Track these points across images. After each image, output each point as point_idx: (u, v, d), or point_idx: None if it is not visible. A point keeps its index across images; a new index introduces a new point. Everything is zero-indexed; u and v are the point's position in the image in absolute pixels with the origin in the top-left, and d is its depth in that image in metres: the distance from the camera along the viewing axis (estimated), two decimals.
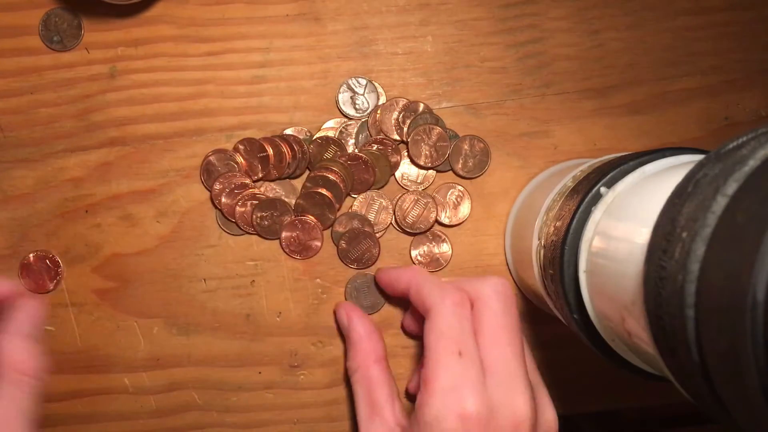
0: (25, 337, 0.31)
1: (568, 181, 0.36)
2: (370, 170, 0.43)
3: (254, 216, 0.43)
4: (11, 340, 0.31)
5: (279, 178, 0.44)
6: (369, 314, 0.43)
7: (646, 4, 0.44)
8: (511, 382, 0.32)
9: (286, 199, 0.43)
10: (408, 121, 0.43)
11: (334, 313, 0.43)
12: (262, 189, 0.44)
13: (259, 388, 0.44)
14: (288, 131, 0.44)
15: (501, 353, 0.33)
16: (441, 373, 0.32)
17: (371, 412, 0.36)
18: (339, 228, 0.43)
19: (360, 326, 0.40)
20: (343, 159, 0.43)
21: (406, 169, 0.44)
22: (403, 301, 0.43)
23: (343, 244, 0.43)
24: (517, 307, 0.35)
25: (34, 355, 0.31)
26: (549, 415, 0.35)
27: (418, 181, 0.44)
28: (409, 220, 0.43)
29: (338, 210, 0.43)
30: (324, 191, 0.43)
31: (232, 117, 0.44)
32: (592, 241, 0.30)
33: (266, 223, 0.43)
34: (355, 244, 0.43)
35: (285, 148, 0.43)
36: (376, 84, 0.44)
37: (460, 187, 0.44)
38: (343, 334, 0.43)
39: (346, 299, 0.43)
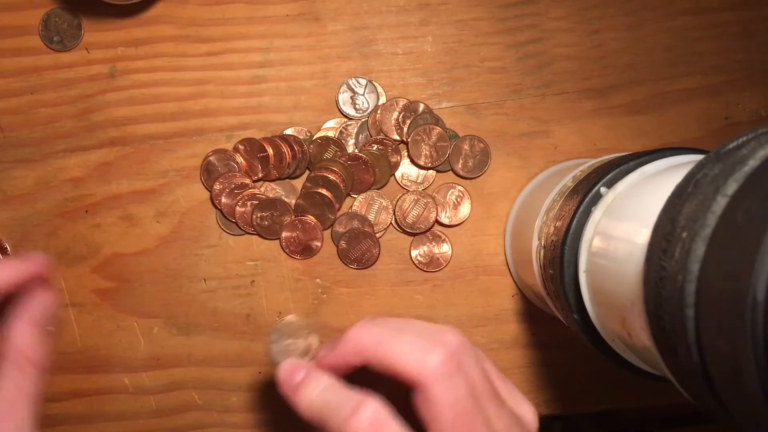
0: (37, 326, 0.31)
1: (568, 181, 0.36)
2: (370, 170, 0.43)
3: (254, 216, 0.43)
4: (24, 326, 0.31)
5: (279, 178, 0.44)
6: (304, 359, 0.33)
7: (646, 4, 0.44)
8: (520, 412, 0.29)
9: (286, 199, 0.43)
10: (408, 121, 0.43)
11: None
12: (262, 189, 0.44)
13: (259, 388, 0.44)
14: (288, 131, 0.44)
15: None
16: None
17: None
18: (339, 228, 0.43)
19: None
20: (343, 159, 0.43)
21: (406, 169, 0.44)
22: None
23: (343, 244, 0.43)
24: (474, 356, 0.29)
25: (41, 345, 0.31)
26: (523, 407, 0.30)
27: (418, 181, 0.44)
28: (409, 220, 0.43)
29: (338, 210, 0.43)
30: (324, 191, 0.43)
31: (232, 117, 0.44)
32: (592, 241, 0.30)
33: (266, 223, 0.43)
34: (355, 244, 0.43)
35: (285, 148, 0.43)
36: (376, 84, 0.44)
37: (460, 187, 0.44)
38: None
39: (270, 352, 0.33)
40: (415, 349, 0.27)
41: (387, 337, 0.28)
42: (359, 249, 0.43)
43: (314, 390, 0.28)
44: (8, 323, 0.31)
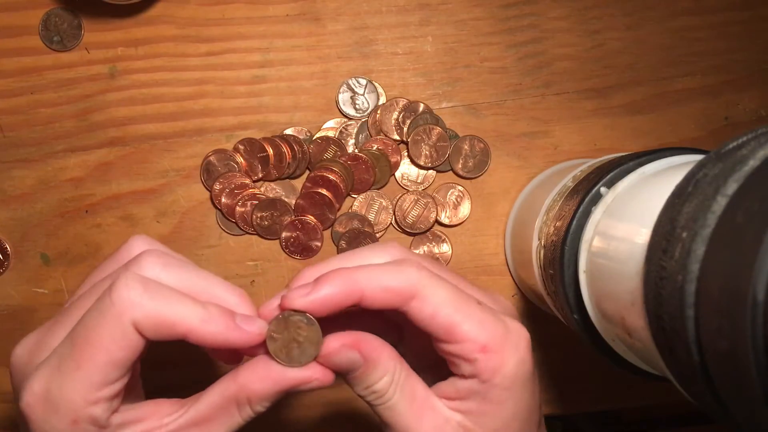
0: (279, 391, 0.29)
1: (568, 181, 0.36)
2: (370, 170, 0.43)
3: (254, 216, 0.43)
4: (266, 383, 0.28)
5: (279, 178, 0.44)
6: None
7: (646, 4, 0.44)
8: (500, 306, 0.31)
9: (286, 199, 0.43)
10: (408, 121, 0.43)
11: (330, 359, 0.29)
12: (262, 189, 0.44)
13: None
14: (288, 131, 0.44)
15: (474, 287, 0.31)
16: (489, 328, 0.28)
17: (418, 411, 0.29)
18: (339, 228, 0.43)
19: (371, 338, 0.29)
20: (343, 159, 0.43)
21: (406, 169, 0.44)
22: None
23: (343, 244, 0.43)
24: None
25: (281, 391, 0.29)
26: (502, 301, 0.32)
27: (418, 181, 0.44)
28: (409, 220, 0.43)
29: (338, 210, 0.43)
30: (324, 191, 0.43)
31: (232, 117, 0.44)
32: (592, 241, 0.30)
33: (266, 223, 0.43)
34: (355, 244, 0.43)
35: (285, 148, 0.43)
36: (376, 84, 0.44)
37: (460, 187, 0.44)
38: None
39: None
40: (393, 271, 0.28)
41: (368, 271, 0.28)
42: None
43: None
44: (255, 362, 0.29)
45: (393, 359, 0.29)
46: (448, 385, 0.29)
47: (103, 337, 0.26)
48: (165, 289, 0.27)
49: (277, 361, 0.28)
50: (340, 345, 0.28)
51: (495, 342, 0.28)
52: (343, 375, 0.29)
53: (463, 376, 0.29)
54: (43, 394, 0.26)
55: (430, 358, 0.31)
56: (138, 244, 0.30)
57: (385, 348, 0.29)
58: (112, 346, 0.26)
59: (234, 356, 0.32)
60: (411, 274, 0.28)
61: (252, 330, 0.28)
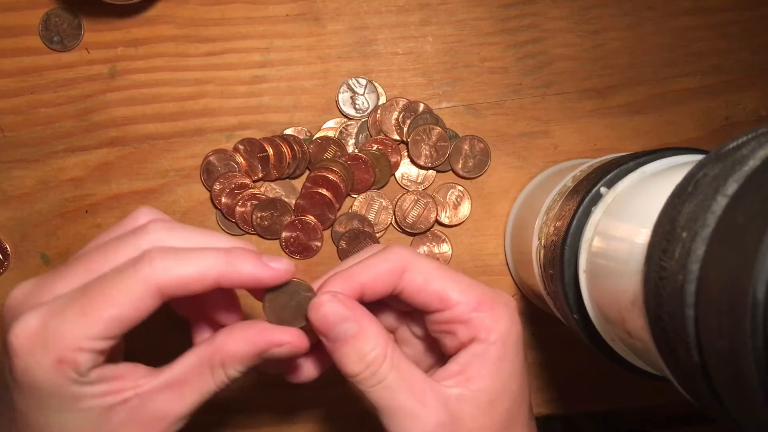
0: (254, 348, 0.30)
1: (568, 181, 0.36)
2: (370, 170, 0.43)
3: (254, 216, 0.43)
4: (239, 342, 0.29)
5: (279, 178, 0.44)
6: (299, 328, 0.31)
7: (646, 4, 0.44)
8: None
9: (286, 199, 0.43)
10: (408, 121, 0.43)
11: (318, 311, 0.30)
12: (262, 189, 0.44)
13: (259, 388, 0.44)
14: (288, 131, 0.44)
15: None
16: (479, 290, 0.30)
17: (416, 399, 0.29)
18: (339, 228, 0.43)
19: (363, 307, 0.30)
20: (343, 159, 0.43)
21: (406, 169, 0.44)
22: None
23: (343, 244, 0.43)
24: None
25: (244, 365, 0.30)
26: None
27: (418, 181, 0.44)
28: (409, 220, 0.43)
29: (338, 210, 0.43)
30: (324, 191, 0.43)
31: (232, 117, 0.44)
32: (592, 241, 0.30)
33: (266, 223, 0.43)
34: (355, 244, 0.43)
35: (285, 148, 0.43)
36: (376, 84, 0.44)
37: (460, 187, 0.44)
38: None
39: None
40: (383, 256, 0.30)
41: (361, 265, 0.30)
42: (359, 249, 0.43)
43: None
44: (230, 328, 0.30)
45: (384, 335, 0.29)
46: (446, 367, 0.30)
47: (122, 295, 0.27)
48: (185, 249, 0.28)
49: (267, 321, 0.30)
50: (331, 295, 0.29)
51: (486, 301, 0.30)
52: (332, 347, 0.29)
53: (462, 345, 0.29)
54: (37, 329, 0.27)
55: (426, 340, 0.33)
56: (144, 213, 0.30)
57: (376, 322, 0.30)
58: (126, 305, 0.27)
59: (286, 365, 0.34)
60: (398, 253, 0.30)
61: (280, 267, 0.29)
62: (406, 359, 0.29)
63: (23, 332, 0.27)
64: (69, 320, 0.27)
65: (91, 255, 0.29)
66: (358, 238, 0.43)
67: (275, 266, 0.29)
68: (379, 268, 0.29)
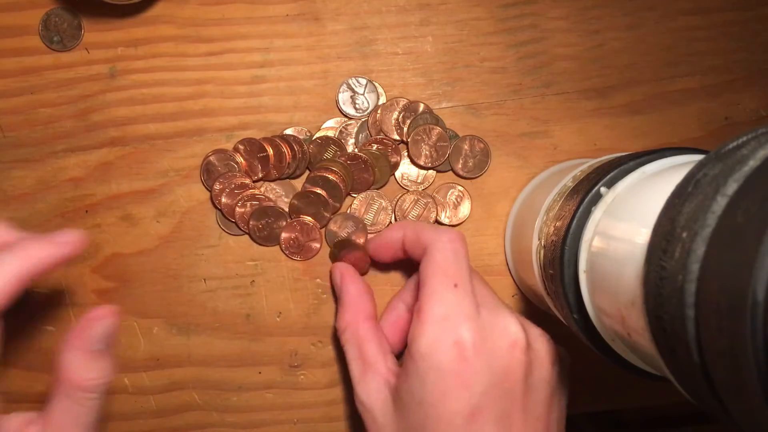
0: (88, 353, 0.31)
1: (568, 181, 0.36)
2: (370, 170, 0.43)
3: (251, 225, 0.43)
4: (73, 356, 0.31)
5: (279, 178, 0.44)
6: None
7: (646, 4, 0.44)
8: (500, 309, 0.33)
9: (285, 199, 0.43)
10: (408, 121, 0.43)
11: (330, 273, 0.43)
12: (262, 189, 0.44)
13: (259, 388, 0.44)
14: (288, 131, 0.44)
15: (485, 288, 0.36)
16: (435, 303, 0.32)
17: (364, 368, 0.36)
18: (333, 227, 0.43)
19: (352, 286, 0.39)
20: (343, 159, 0.43)
21: (406, 169, 0.44)
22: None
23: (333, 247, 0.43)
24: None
25: (94, 370, 0.31)
26: (539, 345, 0.34)
27: (418, 181, 0.44)
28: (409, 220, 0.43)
29: (338, 209, 0.43)
30: (319, 190, 0.43)
31: (232, 117, 0.44)
32: (592, 241, 0.30)
33: (265, 233, 0.43)
34: (345, 253, 0.43)
35: (285, 148, 0.43)
36: (376, 84, 0.44)
37: (460, 187, 0.44)
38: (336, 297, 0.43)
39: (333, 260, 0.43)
40: (432, 230, 0.36)
41: (423, 225, 0.38)
42: (351, 258, 0.43)
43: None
44: (60, 352, 0.31)
45: (351, 316, 0.38)
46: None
47: None
48: None
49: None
50: (335, 267, 0.42)
51: (433, 313, 0.32)
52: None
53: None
54: None
55: None
56: None
57: (354, 305, 0.39)
58: None
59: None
60: (440, 238, 0.35)
61: (67, 238, 0.32)
62: (368, 340, 0.37)
63: None
64: None
65: None
66: (348, 248, 0.43)
67: (62, 239, 0.31)
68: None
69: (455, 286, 0.33)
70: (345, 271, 0.41)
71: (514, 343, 0.32)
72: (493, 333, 0.32)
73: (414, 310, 0.34)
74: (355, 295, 0.39)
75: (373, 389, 0.35)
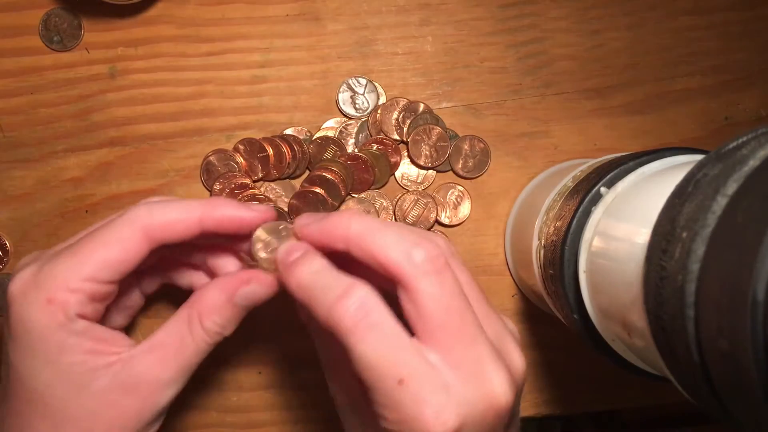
0: (226, 300, 0.30)
1: (568, 181, 0.36)
2: (370, 170, 0.43)
3: None
4: (212, 293, 0.30)
5: (279, 178, 0.44)
6: None
7: (646, 4, 0.44)
8: (479, 367, 0.25)
9: (285, 199, 0.43)
10: (408, 121, 0.43)
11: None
12: (262, 189, 0.44)
13: (259, 388, 0.44)
14: (288, 131, 0.44)
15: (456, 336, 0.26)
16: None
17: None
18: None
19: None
20: (343, 159, 0.43)
21: (406, 169, 0.44)
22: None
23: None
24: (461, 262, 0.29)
25: (223, 316, 0.30)
26: (516, 363, 0.28)
27: (418, 181, 0.44)
28: (409, 220, 0.43)
29: (337, 209, 0.43)
30: (317, 189, 0.43)
31: (232, 117, 0.44)
32: (592, 241, 0.30)
33: None
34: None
35: (285, 148, 0.43)
36: (376, 84, 0.44)
37: (460, 187, 0.44)
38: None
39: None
40: (401, 242, 0.26)
41: (375, 227, 0.26)
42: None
43: (308, 270, 0.28)
44: (203, 286, 0.31)
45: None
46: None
47: (110, 236, 0.28)
48: (169, 199, 0.30)
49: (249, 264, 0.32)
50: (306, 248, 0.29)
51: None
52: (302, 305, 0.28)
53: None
54: (31, 275, 0.28)
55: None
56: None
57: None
58: (114, 245, 0.28)
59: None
60: (415, 255, 0.26)
61: (260, 207, 0.31)
62: (380, 308, 0.25)
63: (20, 280, 0.28)
64: (60, 263, 0.28)
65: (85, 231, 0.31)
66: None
67: (256, 207, 0.30)
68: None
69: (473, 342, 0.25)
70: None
71: (500, 411, 0.25)
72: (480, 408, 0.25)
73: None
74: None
75: None
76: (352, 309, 0.25)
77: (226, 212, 0.30)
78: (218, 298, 0.30)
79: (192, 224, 0.29)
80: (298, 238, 0.30)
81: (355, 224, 0.27)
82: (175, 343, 0.30)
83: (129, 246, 0.28)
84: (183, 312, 0.30)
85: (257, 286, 0.31)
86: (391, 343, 0.24)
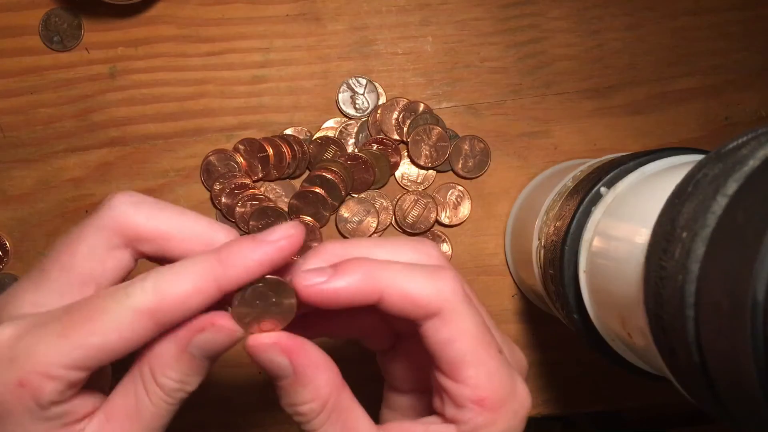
0: (183, 350, 0.25)
1: (568, 181, 0.36)
2: (370, 170, 0.43)
3: (251, 225, 0.43)
4: (166, 345, 0.25)
5: (279, 178, 0.44)
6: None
7: (646, 4, 0.44)
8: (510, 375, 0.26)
9: (285, 199, 0.43)
10: (408, 121, 0.43)
11: (253, 354, 0.25)
12: (262, 189, 0.44)
13: (259, 388, 0.44)
14: (288, 131, 0.44)
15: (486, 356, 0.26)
16: (496, 384, 0.25)
17: None
18: (344, 212, 0.43)
19: (314, 353, 0.25)
20: (343, 159, 0.43)
21: (406, 169, 0.44)
22: None
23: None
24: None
25: (177, 371, 0.25)
26: (523, 362, 0.28)
27: (418, 181, 0.44)
28: (409, 220, 0.43)
29: (337, 209, 0.43)
30: (317, 189, 0.43)
31: (232, 117, 0.44)
32: (592, 241, 0.30)
33: None
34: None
35: (285, 148, 0.43)
36: (376, 84, 0.44)
37: (460, 187, 0.44)
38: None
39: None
40: (424, 277, 0.24)
41: (398, 270, 0.24)
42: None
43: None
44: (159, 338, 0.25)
45: (330, 386, 0.25)
46: (417, 426, 0.26)
47: (108, 321, 0.23)
48: (175, 264, 0.24)
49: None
50: (271, 343, 0.24)
51: (495, 400, 0.25)
52: (270, 378, 0.25)
53: (443, 418, 0.25)
54: (7, 342, 0.23)
55: (419, 380, 0.28)
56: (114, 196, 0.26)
57: (325, 371, 0.25)
58: (112, 333, 0.23)
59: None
60: (444, 288, 0.24)
61: (278, 235, 0.24)
62: (352, 411, 0.25)
63: None
64: (45, 340, 0.23)
65: (60, 250, 0.25)
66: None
67: (269, 238, 0.23)
68: (413, 290, 0.24)
69: (500, 352, 0.26)
70: (290, 342, 0.25)
71: (527, 414, 0.27)
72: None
73: (463, 393, 0.25)
74: (324, 362, 0.26)
75: None
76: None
77: (250, 262, 0.23)
78: (170, 349, 0.24)
79: (210, 294, 0.23)
80: (300, 301, 0.24)
81: (380, 272, 0.24)
82: (131, 407, 0.25)
83: (129, 335, 0.23)
84: (135, 369, 0.25)
85: (214, 333, 0.25)
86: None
